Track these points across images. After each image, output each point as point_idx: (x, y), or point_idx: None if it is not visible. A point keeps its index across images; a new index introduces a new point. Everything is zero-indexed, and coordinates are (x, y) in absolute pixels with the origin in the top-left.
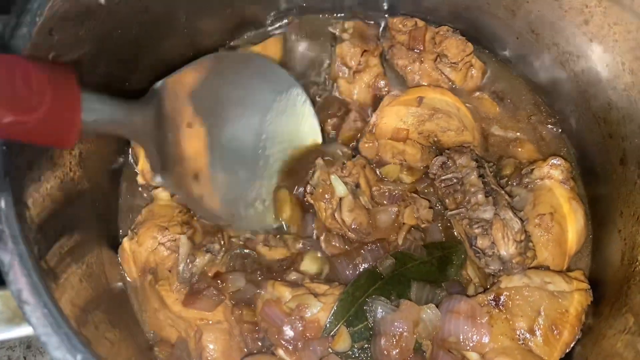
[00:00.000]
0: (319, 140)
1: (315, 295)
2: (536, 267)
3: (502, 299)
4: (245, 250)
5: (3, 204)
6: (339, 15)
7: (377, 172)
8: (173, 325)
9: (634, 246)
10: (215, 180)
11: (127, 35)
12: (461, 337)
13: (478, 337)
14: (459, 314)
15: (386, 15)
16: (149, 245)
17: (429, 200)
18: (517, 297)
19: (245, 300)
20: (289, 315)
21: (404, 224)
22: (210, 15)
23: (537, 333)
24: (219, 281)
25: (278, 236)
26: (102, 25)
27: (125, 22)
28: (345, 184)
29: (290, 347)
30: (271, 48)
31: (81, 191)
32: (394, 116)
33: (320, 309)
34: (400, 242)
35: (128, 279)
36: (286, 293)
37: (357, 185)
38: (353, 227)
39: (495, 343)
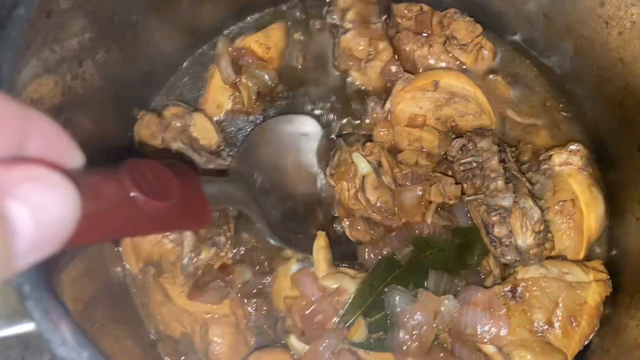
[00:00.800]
0: None
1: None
2: (553, 257)
3: (519, 290)
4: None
5: None
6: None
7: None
8: (177, 319)
9: None
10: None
11: (127, 20)
12: (478, 329)
13: (496, 330)
14: (477, 305)
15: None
16: (152, 237)
17: (454, 178)
18: (535, 288)
19: (253, 293)
20: (324, 292)
21: (430, 202)
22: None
23: (556, 325)
24: (225, 273)
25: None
26: (101, 10)
27: (125, 6)
28: (368, 162)
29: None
30: (274, 36)
31: None
32: (410, 102)
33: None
34: (429, 220)
35: (131, 272)
36: (321, 267)
37: (380, 164)
38: (378, 205)
39: (513, 336)
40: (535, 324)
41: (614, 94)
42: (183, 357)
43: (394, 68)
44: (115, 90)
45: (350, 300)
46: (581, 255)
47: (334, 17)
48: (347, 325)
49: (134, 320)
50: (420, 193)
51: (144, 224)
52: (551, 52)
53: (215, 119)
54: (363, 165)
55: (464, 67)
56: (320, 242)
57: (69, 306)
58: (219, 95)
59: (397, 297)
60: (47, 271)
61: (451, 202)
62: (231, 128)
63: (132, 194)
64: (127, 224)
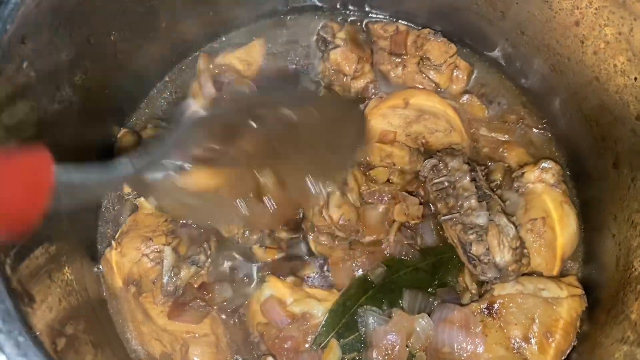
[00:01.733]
0: None
1: (317, 300)
2: (529, 274)
3: (495, 307)
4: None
5: None
6: (320, 17)
7: (366, 174)
8: (158, 339)
9: (629, 251)
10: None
11: (105, 41)
12: (455, 347)
13: (472, 347)
14: (453, 324)
15: (369, 14)
16: (133, 256)
17: (420, 198)
18: (511, 304)
19: (232, 312)
20: (293, 318)
21: (394, 221)
22: (191, 17)
23: (532, 341)
24: (204, 292)
25: (273, 235)
26: (79, 31)
27: (103, 27)
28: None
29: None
30: (255, 52)
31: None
32: (381, 119)
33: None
34: (391, 239)
35: (110, 291)
36: (287, 294)
37: (345, 183)
38: (341, 222)
39: (490, 353)
40: (512, 341)
41: (590, 112)
42: None
43: (372, 88)
44: (94, 109)
45: (323, 322)
46: (555, 272)
47: (327, 31)
48: (320, 347)
49: (113, 343)
50: (382, 212)
51: None
52: (528, 69)
53: None
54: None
55: (439, 89)
56: (272, 286)
57: (43, 337)
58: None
59: (370, 318)
60: (20, 302)
61: (413, 222)
62: None
63: None
64: None
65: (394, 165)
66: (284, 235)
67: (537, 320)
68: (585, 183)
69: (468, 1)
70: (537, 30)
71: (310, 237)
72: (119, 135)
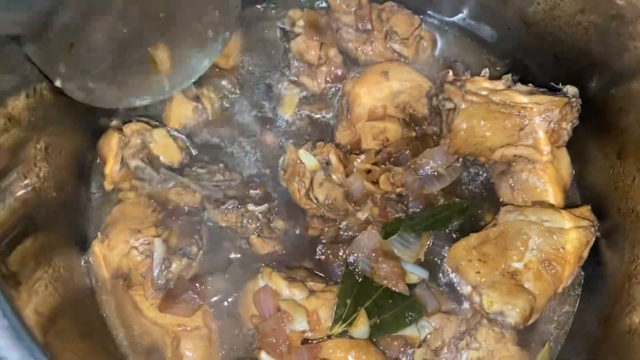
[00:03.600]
0: None
1: (313, 292)
2: (539, 204)
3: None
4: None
5: None
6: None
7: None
8: (148, 332)
9: (634, 244)
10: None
11: None
12: None
13: None
14: None
15: None
16: (121, 249)
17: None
18: (511, 231)
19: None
20: (281, 315)
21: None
22: None
23: (529, 268)
24: (197, 284)
25: (272, 224)
26: None
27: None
28: (317, 162)
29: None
30: (232, 44)
31: (47, 188)
32: (367, 96)
33: (305, 323)
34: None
35: (98, 284)
36: (283, 286)
37: (328, 162)
38: (327, 203)
39: (487, 277)
40: (509, 267)
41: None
42: None
43: (340, 72)
44: (78, 110)
45: (338, 294)
46: (562, 202)
47: (284, 21)
48: (347, 321)
49: (101, 334)
50: (364, 181)
51: None
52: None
53: (180, 135)
54: (309, 160)
55: (407, 61)
56: (267, 275)
57: (29, 321)
58: (183, 110)
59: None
60: (6, 285)
61: (399, 189)
62: (197, 140)
63: None
64: None
65: (388, 140)
66: (280, 224)
67: (535, 249)
68: (589, 174)
69: None
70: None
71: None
72: (111, 125)
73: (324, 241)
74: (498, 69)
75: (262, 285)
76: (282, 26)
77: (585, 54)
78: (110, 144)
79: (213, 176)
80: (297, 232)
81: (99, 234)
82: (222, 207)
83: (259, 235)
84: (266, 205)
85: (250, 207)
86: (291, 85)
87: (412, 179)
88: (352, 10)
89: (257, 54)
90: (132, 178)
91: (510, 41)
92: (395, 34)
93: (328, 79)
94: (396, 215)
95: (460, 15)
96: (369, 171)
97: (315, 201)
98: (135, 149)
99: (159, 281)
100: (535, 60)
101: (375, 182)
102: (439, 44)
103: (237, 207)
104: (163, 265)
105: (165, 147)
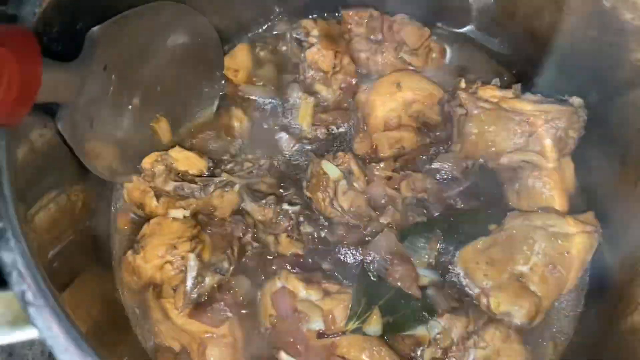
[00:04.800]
0: None
1: (328, 293)
2: (544, 209)
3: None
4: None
5: (8, 201)
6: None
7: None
8: (175, 337)
9: (636, 248)
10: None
11: None
12: None
13: None
14: None
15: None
16: (156, 263)
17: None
18: (518, 236)
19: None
20: (298, 315)
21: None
22: None
23: (535, 271)
24: (225, 292)
25: (301, 227)
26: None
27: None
28: (340, 171)
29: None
30: (240, 57)
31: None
32: (381, 108)
33: (321, 322)
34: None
35: (128, 291)
36: (300, 288)
37: (350, 172)
38: (352, 210)
39: (494, 279)
40: (515, 270)
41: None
42: None
43: (353, 81)
44: None
45: (353, 292)
46: (566, 207)
47: (299, 32)
48: (361, 318)
49: (131, 333)
50: (385, 187)
51: None
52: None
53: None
54: (333, 170)
55: (417, 69)
56: (285, 277)
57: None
58: None
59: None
60: (50, 277)
61: (420, 195)
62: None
63: None
64: None
65: (404, 148)
66: (309, 228)
67: (540, 253)
68: (591, 180)
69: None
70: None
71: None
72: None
73: (346, 243)
74: (505, 78)
75: (280, 286)
76: (296, 36)
77: (588, 65)
78: (137, 186)
79: (242, 166)
80: (323, 235)
81: (135, 244)
82: (262, 202)
83: (288, 235)
84: (299, 206)
85: (285, 206)
86: (305, 95)
87: (430, 183)
88: (364, 22)
89: (269, 65)
90: (176, 200)
91: (517, 52)
92: (405, 45)
93: (342, 85)
94: (417, 219)
95: (468, 27)
96: (389, 178)
97: (340, 209)
98: (163, 175)
99: (192, 295)
100: (540, 71)
101: (396, 188)
102: (448, 53)
103: (276, 204)
104: (196, 281)
105: (187, 159)
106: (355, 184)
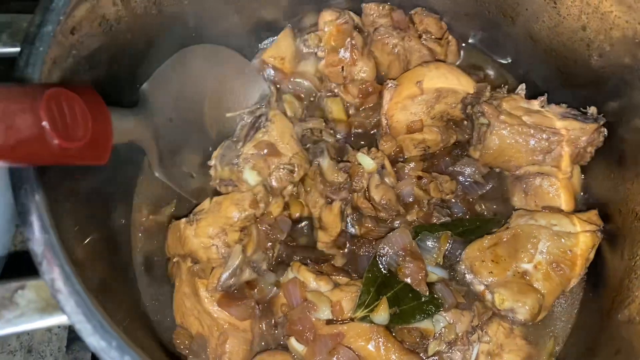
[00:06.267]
0: None
1: (338, 285)
2: (549, 209)
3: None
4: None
5: (36, 197)
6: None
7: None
8: (198, 317)
9: (633, 242)
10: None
11: (141, 37)
12: None
13: None
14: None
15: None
16: (203, 241)
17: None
18: (523, 234)
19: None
20: (307, 304)
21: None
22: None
23: (538, 269)
24: (252, 288)
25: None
26: (118, 26)
27: (139, 24)
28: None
29: (302, 335)
30: (283, 44)
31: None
32: (403, 112)
33: (329, 312)
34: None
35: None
36: (310, 279)
37: (383, 167)
38: (383, 203)
39: (499, 277)
40: (520, 268)
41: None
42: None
43: (370, 88)
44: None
45: (363, 281)
46: (572, 207)
47: (309, 44)
48: (370, 307)
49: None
50: (414, 187)
51: (47, 157)
52: (536, 73)
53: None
54: (368, 162)
55: (440, 58)
56: (296, 268)
57: (95, 299)
58: None
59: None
60: (76, 266)
61: (447, 196)
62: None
63: (46, 132)
64: (31, 155)
65: (429, 148)
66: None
67: (545, 251)
68: (591, 179)
69: (480, 7)
70: (544, 35)
71: (353, 218)
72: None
73: (374, 239)
74: (510, 82)
75: (291, 277)
76: (309, 50)
77: (587, 68)
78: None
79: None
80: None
81: (190, 215)
82: (341, 165)
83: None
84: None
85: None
86: (332, 98)
87: (455, 185)
88: (387, 13)
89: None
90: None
91: (519, 56)
92: (429, 33)
93: (360, 95)
94: (442, 220)
95: (472, 32)
96: (419, 178)
97: (372, 201)
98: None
99: (226, 283)
100: (541, 74)
101: (425, 189)
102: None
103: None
104: (234, 272)
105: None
106: (386, 179)
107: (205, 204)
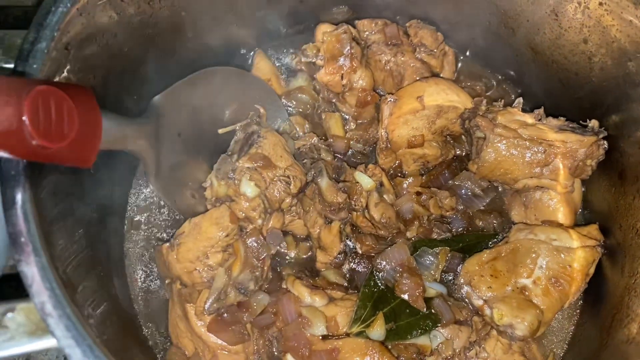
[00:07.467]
0: None
1: (332, 299)
2: (549, 223)
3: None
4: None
5: (29, 218)
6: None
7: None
8: (191, 339)
9: (634, 259)
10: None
11: (137, 50)
12: None
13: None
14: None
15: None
16: (186, 266)
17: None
18: (522, 249)
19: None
20: (301, 320)
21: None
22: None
23: (538, 284)
24: (243, 309)
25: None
26: (114, 40)
27: (135, 37)
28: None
29: (297, 352)
30: (261, 65)
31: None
32: (404, 126)
33: (323, 328)
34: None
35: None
36: (305, 294)
37: (381, 184)
38: (382, 221)
39: (498, 292)
40: (519, 283)
41: None
42: None
43: (369, 97)
44: None
45: (359, 296)
46: (571, 222)
47: (308, 54)
48: (366, 322)
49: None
50: (414, 203)
51: (25, 153)
52: (537, 85)
53: None
54: (366, 181)
55: (434, 72)
56: (290, 282)
57: (86, 322)
58: None
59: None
60: (67, 288)
61: (448, 213)
62: None
63: (25, 127)
64: (7, 146)
65: (428, 163)
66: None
67: (544, 267)
68: (591, 193)
69: (480, 18)
70: (546, 47)
71: (354, 239)
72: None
73: (373, 255)
74: (513, 97)
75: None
76: (307, 60)
77: (588, 80)
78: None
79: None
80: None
81: (171, 239)
82: (340, 185)
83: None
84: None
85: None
86: (331, 113)
87: (458, 202)
88: (380, 29)
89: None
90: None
91: (520, 68)
92: (423, 46)
93: (358, 104)
94: (442, 236)
95: (473, 43)
96: (418, 194)
97: (371, 219)
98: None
99: (211, 308)
100: (542, 86)
101: (424, 205)
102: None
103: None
104: (219, 296)
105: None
106: (385, 196)
107: (185, 226)
